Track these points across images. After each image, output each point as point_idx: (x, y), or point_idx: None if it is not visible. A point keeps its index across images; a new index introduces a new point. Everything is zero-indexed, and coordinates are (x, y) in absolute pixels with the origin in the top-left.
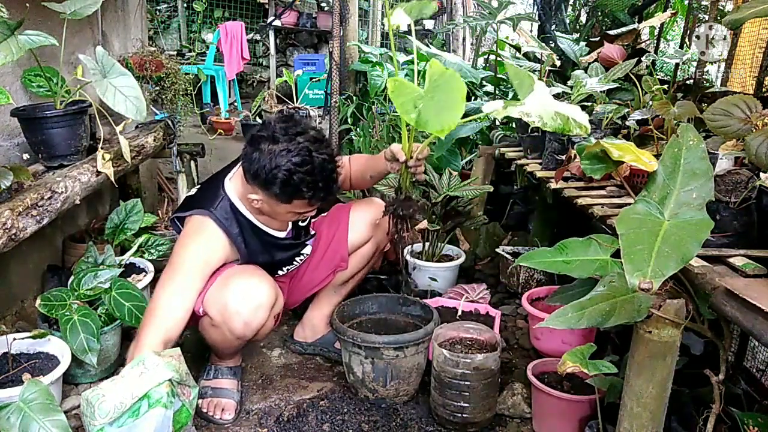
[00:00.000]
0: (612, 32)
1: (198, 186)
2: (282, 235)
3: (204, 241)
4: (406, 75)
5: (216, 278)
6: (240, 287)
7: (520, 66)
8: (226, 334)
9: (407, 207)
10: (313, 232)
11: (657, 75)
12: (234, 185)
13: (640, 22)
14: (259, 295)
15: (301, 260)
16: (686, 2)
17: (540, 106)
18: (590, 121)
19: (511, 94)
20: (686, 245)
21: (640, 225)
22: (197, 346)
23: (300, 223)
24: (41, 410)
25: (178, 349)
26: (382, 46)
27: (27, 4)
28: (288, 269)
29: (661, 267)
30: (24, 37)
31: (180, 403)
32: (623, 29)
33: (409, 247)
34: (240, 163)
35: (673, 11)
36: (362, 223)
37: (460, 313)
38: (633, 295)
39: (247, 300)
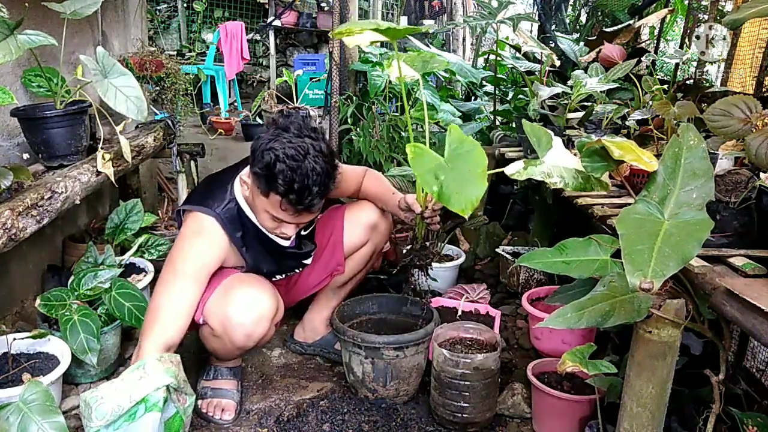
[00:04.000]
0: (609, 30)
1: (206, 177)
2: (285, 244)
3: (205, 243)
4: None
5: (217, 286)
6: (241, 299)
7: (520, 65)
8: (227, 344)
9: (424, 257)
10: (314, 246)
11: (657, 75)
12: (242, 187)
13: None
14: (261, 306)
15: (300, 270)
16: (686, 2)
17: (560, 164)
18: (590, 121)
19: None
20: (686, 245)
21: (640, 225)
22: (197, 346)
23: (302, 232)
24: (40, 411)
25: (178, 356)
26: (382, 46)
27: (27, 4)
28: (287, 275)
29: (661, 267)
30: (23, 37)
31: (174, 410)
32: (620, 26)
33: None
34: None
35: (671, 8)
36: (358, 226)
37: (460, 313)
38: (633, 295)
39: (249, 312)
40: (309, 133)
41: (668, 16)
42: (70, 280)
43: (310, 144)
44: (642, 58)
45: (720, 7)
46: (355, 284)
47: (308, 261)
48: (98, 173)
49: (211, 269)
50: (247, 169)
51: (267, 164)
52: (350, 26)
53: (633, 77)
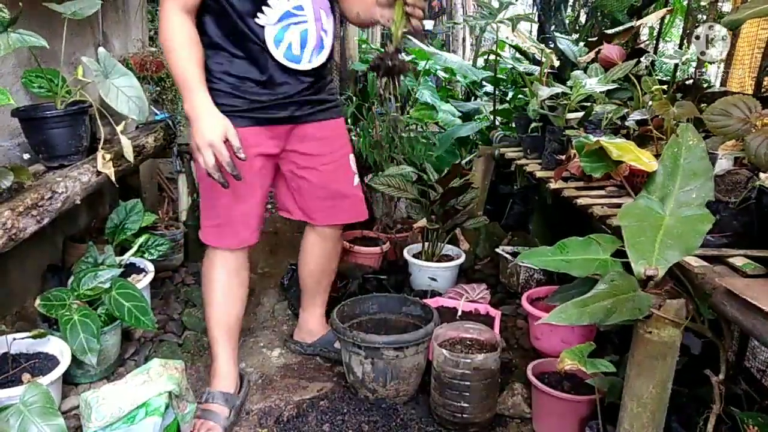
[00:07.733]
0: (609, 32)
1: None
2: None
3: None
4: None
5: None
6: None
7: (520, 66)
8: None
9: (396, 59)
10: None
11: (656, 75)
12: None
13: None
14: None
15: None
16: (685, 2)
17: None
18: (590, 121)
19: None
20: (688, 237)
21: (642, 219)
22: (197, 346)
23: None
24: (41, 414)
25: (182, 362)
26: (382, 46)
27: (21, 3)
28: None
29: (664, 255)
30: (16, 35)
31: (173, 416)
32: (620, 28)
33: (409, 246)
34: None
35: (669, 8)
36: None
37: (460, 313)
38: (635, 294)
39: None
40: None
41: (667, 16)
42: (70, 280)
43: None
44: (641, 59)
45: (718, 8)
46: (329, 281)
47: (306, 79)
48: (98, 173)
49: None
50: None
51: None
52: None
53: (632, 77)
